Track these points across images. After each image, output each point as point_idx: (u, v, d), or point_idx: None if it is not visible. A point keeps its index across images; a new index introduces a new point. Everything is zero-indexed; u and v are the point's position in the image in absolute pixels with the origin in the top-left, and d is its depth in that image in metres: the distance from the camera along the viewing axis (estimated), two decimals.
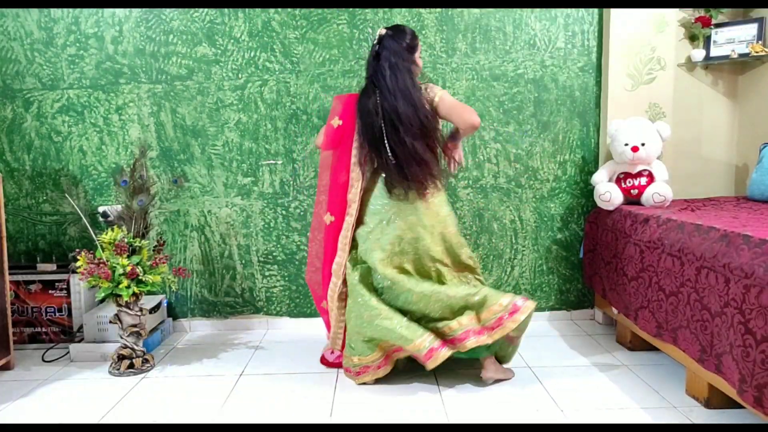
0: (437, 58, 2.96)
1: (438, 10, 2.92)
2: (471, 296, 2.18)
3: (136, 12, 2.89)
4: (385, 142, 2.19)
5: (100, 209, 2.84)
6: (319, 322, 2.77)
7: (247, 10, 2.89)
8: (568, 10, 2.95)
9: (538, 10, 2.94)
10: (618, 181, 2.75)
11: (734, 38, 2.90)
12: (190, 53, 2.92)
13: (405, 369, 2.37)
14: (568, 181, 3.04)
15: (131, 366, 2.46)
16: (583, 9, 2.94)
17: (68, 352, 2.68)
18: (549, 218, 3.06)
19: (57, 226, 3.01)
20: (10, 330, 2.54)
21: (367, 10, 2.90)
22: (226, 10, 2.89)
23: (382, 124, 2.18)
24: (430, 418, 2.00)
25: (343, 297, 2.37)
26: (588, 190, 3.02)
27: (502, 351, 2.32)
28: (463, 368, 2.42)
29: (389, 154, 2.19)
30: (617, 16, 2.87)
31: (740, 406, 1.93)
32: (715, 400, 1.99)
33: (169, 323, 3.02)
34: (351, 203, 2.34)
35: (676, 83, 2.96)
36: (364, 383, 2.31)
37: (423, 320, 2.24)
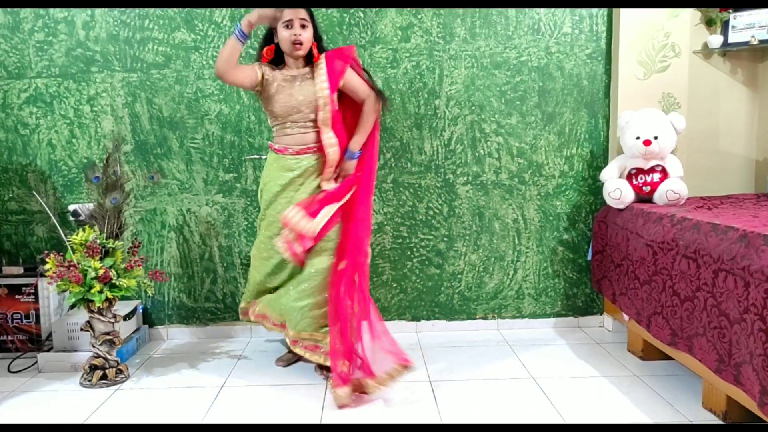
0: (434, 45, 2.87)
1: None
2: None
3: None
4: None
5: (71, 208, 2.82)
6: None
7: None
8: None
9: None
10: (629, 177, 2.70)
11: (754, 23, 2.83)
12: (168, 39, 2.85)
13: None
14: (575, 177, 2.99)
15: (104, 377, 2.43)
16: None
17: (36, 362, 2.64)
18: (554, 217, 3.00)
19: (24, 225, 2.97)
20: None
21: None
22: None
23: None
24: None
25: None
26: (596, 187, 2.97)
27: None
28: (462, 369, 2.43)
29: None
30: None
31: (761, 420, 1.89)
32: (733, 413, 1.97)
33: (144, 331, 2.99)
34: None
35: (691, 71, 2.90)
36: None
37: None
